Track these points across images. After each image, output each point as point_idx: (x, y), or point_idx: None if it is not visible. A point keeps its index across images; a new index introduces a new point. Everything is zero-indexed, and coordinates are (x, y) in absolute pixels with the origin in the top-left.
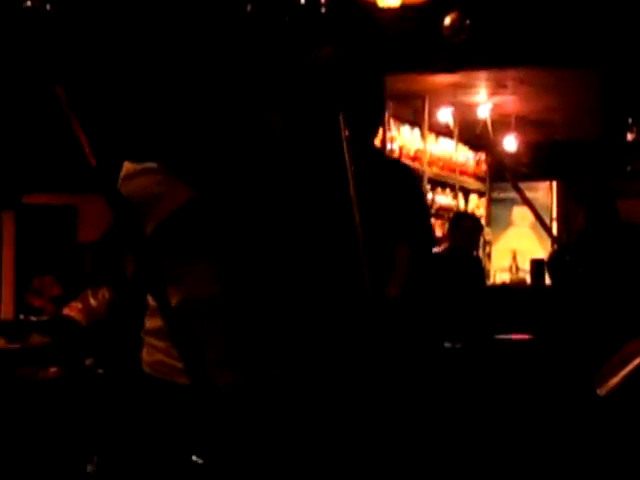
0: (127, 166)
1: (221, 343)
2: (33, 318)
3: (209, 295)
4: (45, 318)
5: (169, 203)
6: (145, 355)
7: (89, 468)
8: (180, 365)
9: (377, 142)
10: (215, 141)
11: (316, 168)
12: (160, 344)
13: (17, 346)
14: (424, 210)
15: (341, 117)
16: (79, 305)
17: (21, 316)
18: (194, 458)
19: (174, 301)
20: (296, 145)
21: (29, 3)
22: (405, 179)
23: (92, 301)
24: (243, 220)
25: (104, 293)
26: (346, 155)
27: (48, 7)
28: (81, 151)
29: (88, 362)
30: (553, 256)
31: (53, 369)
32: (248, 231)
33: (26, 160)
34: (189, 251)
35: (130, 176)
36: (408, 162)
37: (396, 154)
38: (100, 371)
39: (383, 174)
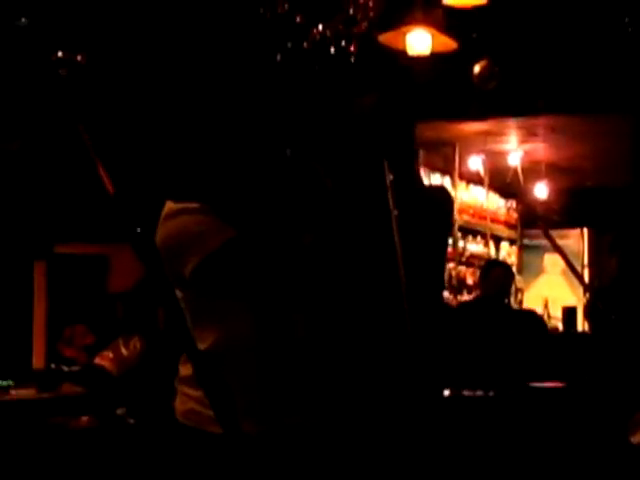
0: (169, 205)
1: (253, 390)
2: (65, 368)
3: (244, 339)
4: (77, 368)
5: (209, 243)
6: (178, 404)
7: None
8: (212, 413)
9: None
10: (257, 184)
11: (359, 215)
12: (193, 392)
13: (49, 395)
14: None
15: (385, 164)
16: (110, 354)
17: (52, 365)
18: None
19: (208, 342)
20: (340, 192)
21: (60, 54)
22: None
23: (124, 350)
24: (281, 264)
25: (135, 342)
26: (390, 201)
27: (79, 58)
28: (111, 200)
29: (120, 412)
30: (587, 304)
31: (85, 418)
32: (287, 276)
33: (57, 210)
34: (226, 292)
35: (171, 215)
36: None
37: None
38: (132, 421)
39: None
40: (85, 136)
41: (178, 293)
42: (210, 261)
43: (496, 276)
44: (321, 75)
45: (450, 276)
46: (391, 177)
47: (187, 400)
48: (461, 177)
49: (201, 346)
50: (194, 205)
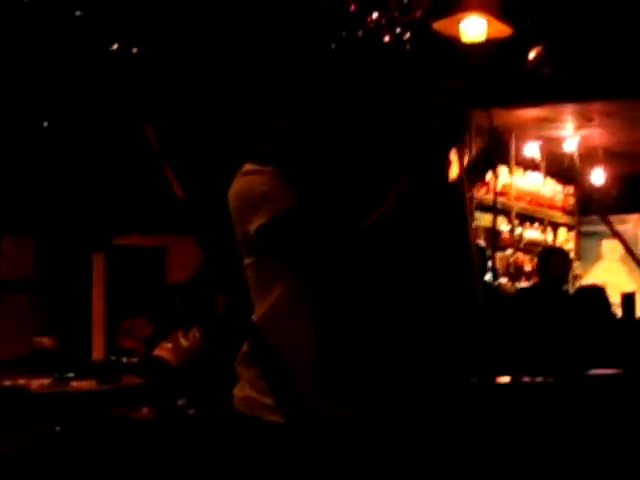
0: (247, 165)
1: (308, 369)
2: (124, 359)
3: (299, 311)
4: (136, 359)
5: (279, 204)
6: (237, 390)
7: None
8: (268, 401)
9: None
10: (334, 161)
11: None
12: (246, 372)
13: (109, 387)
14: None
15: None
16: (170, 345)
17: (112, 357)
18: None
19: (266, 305)
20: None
21: (115, 46)
22: None
23: (183, 341)
24: (340, 240)
25: (194, 333)
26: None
27: (134, 50)
28: (171, 191)
29: (180, 402)
30: None
31: (145, 410)
32: (344, 253)
33: (116, 201)
34: (287, 256)
35: (249, 173)
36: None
37: (483, 189)
38: (192, 411)
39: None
40: (152, 137)
41: (245, 259)
42: (277, 222)
43: (554, 263)
44: (375, 65)
45: (508, 263)
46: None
47: (245, 386)
48: (518, 164)
49: (259, 310)
50: (270, 168)
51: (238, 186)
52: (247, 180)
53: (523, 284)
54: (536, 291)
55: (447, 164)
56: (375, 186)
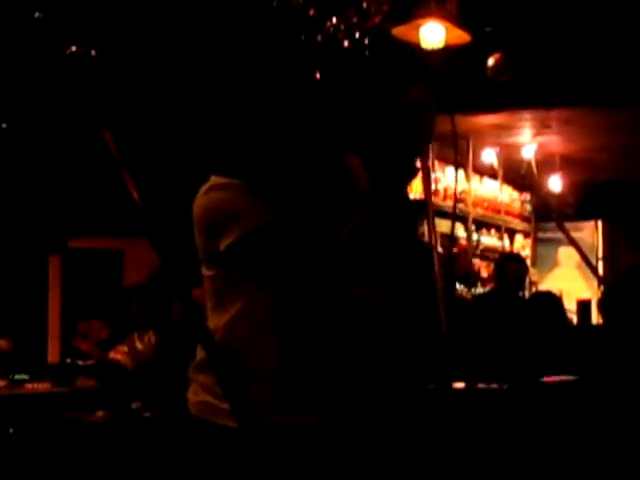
0: (214, 178)
1: (269, 378)
2: (80, 362)
3: (262, 317)
4: (91, 362)
5: (250, 221)
6: (191, 395)
7: None
8: (225, 406)
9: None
10: (299, 172)
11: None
12: (204, 379)
13: (64, 390)
14: None
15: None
16: (125, 349)
17: (67, 360)
18: None
19: (227, 316)
20: (377, 188)
21: (74, 49)
22: None
23: (138, 344)
24: (311, 255)
25: (150, 336)
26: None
27: (93, 52)
28: (128, 195)
29: (135, 405)
30: (602, 297)
31: (100, 413)
32: (313, 268)
33: (72, 204)
34: (254, 271)
35: (216, 188)
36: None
37: (441, 195)
38: (147, 414)
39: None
40: (110, 140)
41: (205, 271)
42: (247, 240)
43: (511, 269)
44: (335, 70)
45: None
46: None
47: (199, 391)
48: (475, 170)
49: (220, 321)
50: (239, 182)
51: (206, 200)
52: (216, 195)
53: (480, 290)
54: (492, 297)
55: (414, 173)
56: (339, 199)
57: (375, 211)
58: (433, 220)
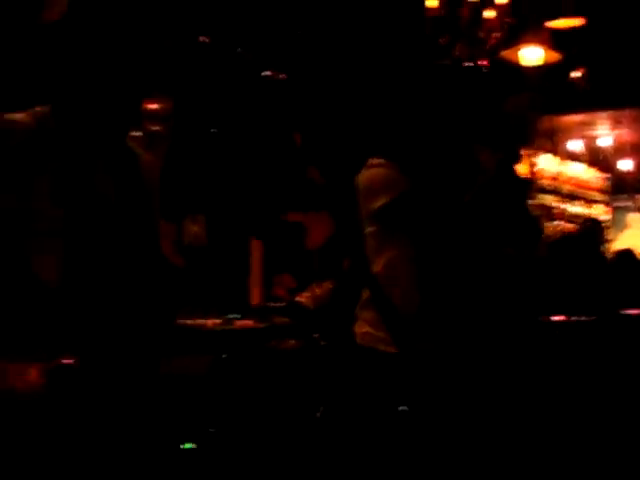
0: (371, 160)
1: (413, 314)
2: (275, 304)
3: (407, 270)
4: (284, 304)
5: (395, 190)
6: (357, 328)
7: (318, 415)
8: (384, 335)
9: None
10: (433, 155)
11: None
12: (367, 315)
13: (264, 325)
14: None
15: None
16: (308, 294)
17: (266, 303)
18: (401, 408)
19: (381, 264)
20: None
21: (268, 73)
22: None
23: (317, 291)
24: (441, 211)
25: (327, 284)
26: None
27: (282, 75)
28: (312, 180)
29: (316, 336)
30: None
31: (291, 342)
32: (440, 225)
33: (272, 192)
34: (401, 226)
35: (372, 165)
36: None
37: (540, 175)
38: (324, 343)
39: None
40: (298, 140)
41: (367, 228)
42: (394, 202)
43: (591, 227)
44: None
45: (556, 231)
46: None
47: (364, 324)
48: (565, 156)
49: (378, 268)
50: (388, 161)
51: (367, 174)
52: (372, 171)
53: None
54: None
55: (519, 158)
56: (462, 174)
57: (495, 182)
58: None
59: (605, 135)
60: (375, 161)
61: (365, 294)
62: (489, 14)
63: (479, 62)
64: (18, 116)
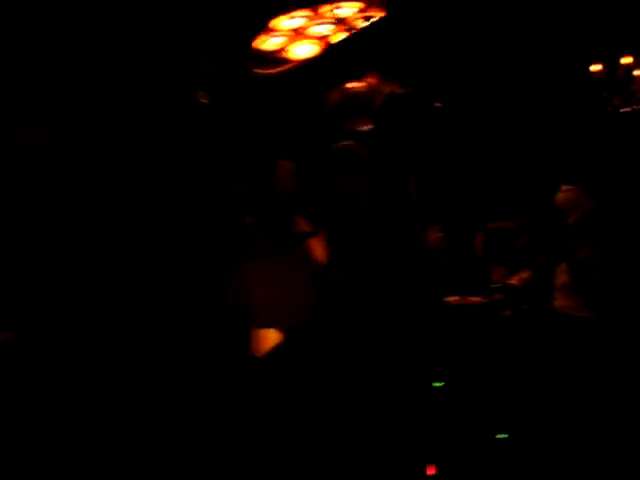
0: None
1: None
2: (494, 285)
3: None
4: (500, 285)
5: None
6: (555, 301)
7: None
8: (576, 302)
9: None
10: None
11: None
12: (563, 289)
13: (488, 300)
14: None
15: None
16: (517, 277)
17: (489, 284)
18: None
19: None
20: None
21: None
22: None
23: (523, 275)
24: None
25: (529, 271)
26: None
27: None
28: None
29: (524, 307)
30: None
31: (507, 312)
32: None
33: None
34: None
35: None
36: None
37: None
38: (525, 307)
39: None
40: (412, 186)
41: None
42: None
43: None
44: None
45: None
46: None
47: (561, 296)
48: None
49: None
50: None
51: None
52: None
53: None
54: None
55: None
56: None
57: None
58: None
59: None
60: (565, 187)
61: (560, 273)
62: (639, 72)
63: (633, 108)
64: None
